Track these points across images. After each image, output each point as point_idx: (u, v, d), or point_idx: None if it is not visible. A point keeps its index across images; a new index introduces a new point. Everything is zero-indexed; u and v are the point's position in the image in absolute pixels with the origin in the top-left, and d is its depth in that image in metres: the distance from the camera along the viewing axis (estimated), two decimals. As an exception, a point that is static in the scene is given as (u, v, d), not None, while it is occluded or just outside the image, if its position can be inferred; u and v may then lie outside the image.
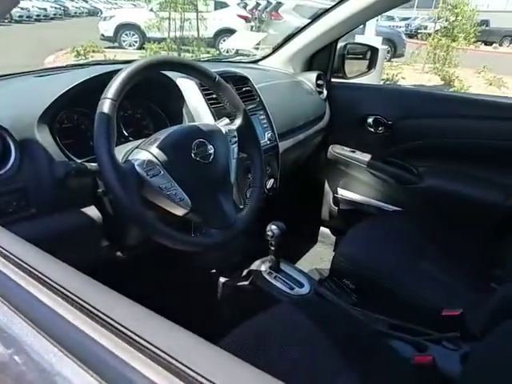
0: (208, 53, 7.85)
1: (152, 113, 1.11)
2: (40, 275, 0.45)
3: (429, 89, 5.20)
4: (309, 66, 1.72)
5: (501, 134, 1.39)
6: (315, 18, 1.59)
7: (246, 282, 1.29)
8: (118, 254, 1.01)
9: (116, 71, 0.78)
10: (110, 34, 9.99)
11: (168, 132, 0.84)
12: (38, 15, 16.39)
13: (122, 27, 9.98)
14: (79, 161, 0.89)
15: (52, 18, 17.22)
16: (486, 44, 14.92)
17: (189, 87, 1.10)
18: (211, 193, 0.86)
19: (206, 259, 1.35)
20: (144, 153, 0.79)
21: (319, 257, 1.88)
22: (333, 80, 1.74)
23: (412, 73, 8.45)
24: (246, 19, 10.04)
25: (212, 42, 9.61)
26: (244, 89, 1.25)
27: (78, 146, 0.93)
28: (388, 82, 7.05)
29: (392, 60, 9.39)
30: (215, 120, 1.06)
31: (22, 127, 0.81)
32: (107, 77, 0.79)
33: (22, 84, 1.03)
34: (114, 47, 9.66)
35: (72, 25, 15.12)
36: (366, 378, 0.82)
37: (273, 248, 1.20)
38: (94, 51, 8.12)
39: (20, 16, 15.28)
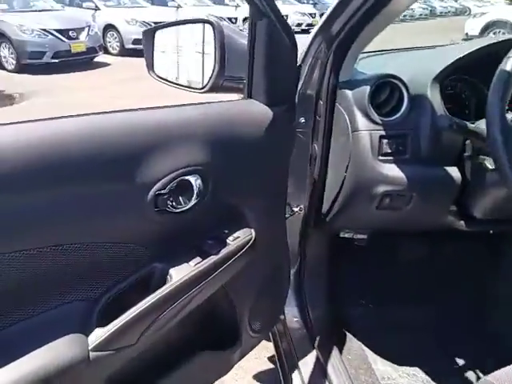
0: None
1: (476, 90, 1.06)
2: None
3: None
4: None
5: None
6: None
7: None
8: (461, 223, 1.05)
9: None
10: (476, 32, 9.43)
11: None
12: (404, 15, 17.08)
13: (491, 25, 9.21)
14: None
15: (417, 19, 17.53)
16: None
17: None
18: None
19: None
20: None
21: None
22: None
23: None
24: None
25: None
26: None
27: (453, 113, 0.99)
28: None
29: None
30: None
31: (416, 84, 0.99)
32: (501, 46, 0.85)
33: (416, 54, 1.27)
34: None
35: (436, 26, 14.85)
36: None
37: None
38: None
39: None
